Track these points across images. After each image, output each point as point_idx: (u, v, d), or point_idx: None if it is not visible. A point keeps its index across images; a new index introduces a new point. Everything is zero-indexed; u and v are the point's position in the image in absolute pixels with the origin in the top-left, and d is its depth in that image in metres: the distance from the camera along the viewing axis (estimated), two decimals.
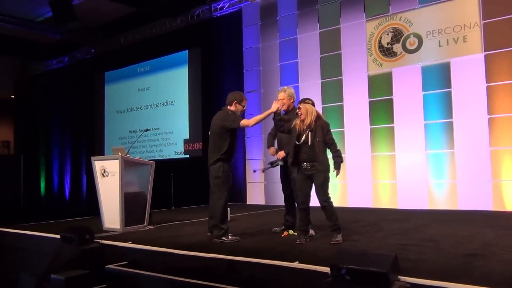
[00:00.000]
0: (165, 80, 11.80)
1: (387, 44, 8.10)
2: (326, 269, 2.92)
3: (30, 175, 14.38)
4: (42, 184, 15.21)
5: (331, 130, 4.47)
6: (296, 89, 9.08)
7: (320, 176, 4.32)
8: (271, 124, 5.02)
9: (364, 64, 8.31)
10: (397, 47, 7.98)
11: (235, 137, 4.85)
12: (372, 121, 8.17)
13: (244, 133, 9.76)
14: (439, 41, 7.54)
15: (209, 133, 4.90)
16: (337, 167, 4.37)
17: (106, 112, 13.54)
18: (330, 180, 4.41)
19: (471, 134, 7.13)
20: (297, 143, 4.38)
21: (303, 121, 4.38)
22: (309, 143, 4.32)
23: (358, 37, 8.39)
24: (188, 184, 10.10)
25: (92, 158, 5.90)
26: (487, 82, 7.04)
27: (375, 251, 3.24)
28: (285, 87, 5.16)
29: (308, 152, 4.33)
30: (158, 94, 11.94)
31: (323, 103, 8.76)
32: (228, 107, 4.88)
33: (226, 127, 4.71)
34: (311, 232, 4.72)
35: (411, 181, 7.64)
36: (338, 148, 4.45)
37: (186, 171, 10.42)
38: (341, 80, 8.57)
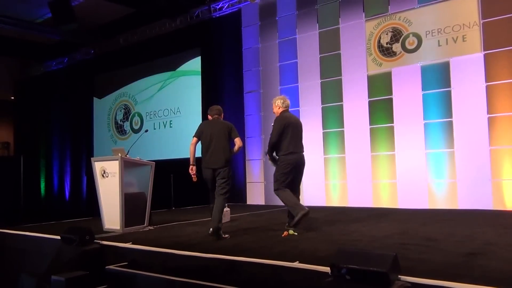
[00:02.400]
0: (164, 81, 11.79)
1: (387, 43, 8.10)
2: (327, 269, 2.92)
3: (30, 176, 14.34)
4: (42, 185, 15.21)
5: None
6: (296, 89, 9.11)
7: None
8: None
9: (364, 64, 8.31)
10: (397, 47, 7.99)
11: None
12: (371, 121, 8.17)
13: (244, 133, 9.76)
14: (439, 41, 7.55)
15: (207, 138, 5.12)
16: None
17: (106, 113, 13.55)
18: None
19: (471, 133, 7.13)
20: None
21: None
22: None
23: (358, 37, 8.40)
24: (188, 185, 10.06)
25: (92, 159, 5.90)
26: (486, 81, 7.04)
27: (375, 250, 3.24)
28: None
29: None
30: (158, 94, 11.94)
31: (322, 103, 8.77)
32: (220, 117, 5.37)
33: (232, 136, 5.18)
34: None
35: (411, 180, 7.64)
36: None
37: (186, 171, 10.38)
38: (340, 80, 8.57)
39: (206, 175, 5.13)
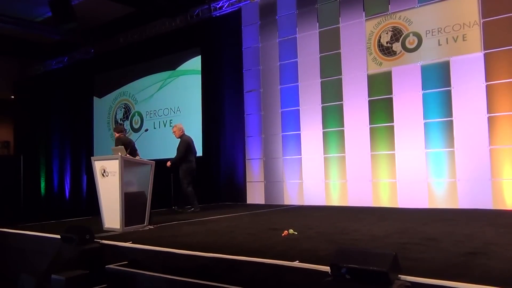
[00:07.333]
0: (164, 80, 11.79)
1: (387, 43, 8.10)
2: (326, 268, 2.92)
3: (30, 175, 14.37)
4: (42, 184, 15.21)
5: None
6: (296, 88, 9.11)
7: None
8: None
9: (364, 63, 8.31)
10: (397, 46, 7.98)
11: None
12: (371, 120, 8.17)
13: (244, 133, 9.77)
14: (439, 40, 7.54)
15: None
16: None
17: (106, 112, 13.55)
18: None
19: (471, 133, 7.13)
20: None
21: None
22: None
23: (358, 36, 8.39)
24: None
25: (92, 158, 5.89)
26: (486, 80, 7.04)
27: (375, 250, 3.24)
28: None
29: None
30: (158, 93, 11.94)
31: (322, 102, 8.76)
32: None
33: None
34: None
35: (411, 180, 7.65)
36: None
37: None
38: (340, 79, 8.57)
39: None
